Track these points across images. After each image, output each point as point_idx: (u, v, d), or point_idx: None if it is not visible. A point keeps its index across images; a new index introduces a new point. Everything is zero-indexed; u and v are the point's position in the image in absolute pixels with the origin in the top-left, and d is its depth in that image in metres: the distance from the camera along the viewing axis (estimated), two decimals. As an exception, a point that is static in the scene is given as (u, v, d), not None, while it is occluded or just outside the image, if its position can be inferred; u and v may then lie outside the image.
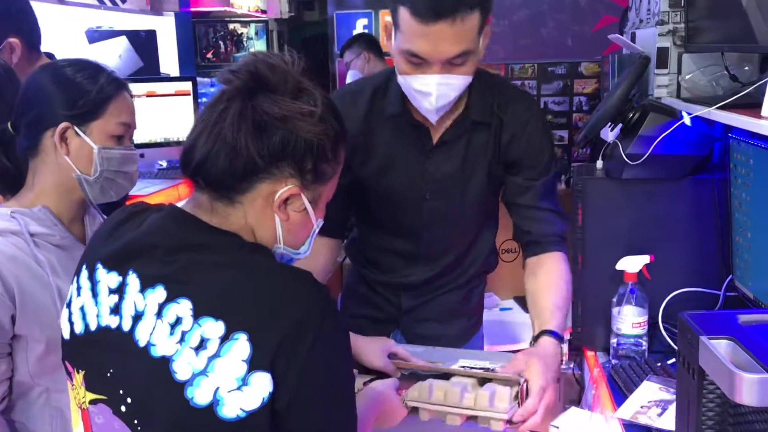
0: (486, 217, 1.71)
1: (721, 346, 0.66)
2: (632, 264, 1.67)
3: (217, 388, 0.89)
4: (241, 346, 0.89)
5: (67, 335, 1.04)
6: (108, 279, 0.99)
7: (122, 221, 1.05)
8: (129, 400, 0.94)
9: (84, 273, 1.03)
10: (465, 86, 1.45)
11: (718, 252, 1.71)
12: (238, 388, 0.89)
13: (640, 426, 1.41)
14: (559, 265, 1.59)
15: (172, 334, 0.92)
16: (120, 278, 0.98)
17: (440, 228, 1.64)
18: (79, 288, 1.03)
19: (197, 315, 0.92)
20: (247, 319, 0.90)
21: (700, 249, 1.72)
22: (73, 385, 1.02)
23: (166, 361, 0.92)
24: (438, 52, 1.37)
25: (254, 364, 0.89)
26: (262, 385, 0.89)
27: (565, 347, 1.51)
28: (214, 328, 0.91)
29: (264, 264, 0.98)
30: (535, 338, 1.50)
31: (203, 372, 0.90)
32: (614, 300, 1.71)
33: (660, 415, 1.42)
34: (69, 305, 1.04)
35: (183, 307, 0.92)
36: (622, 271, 1.70)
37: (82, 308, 1.01)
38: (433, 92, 1.41)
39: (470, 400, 1.30)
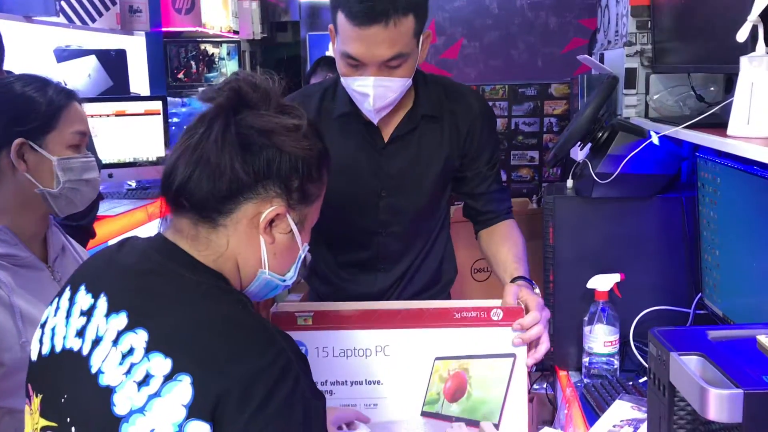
0: (440, 215, 1.71)
1: (692, 362, 0.65)
2: (603, 282, 1.68)
3: (152, 430, 0.85)
4: (184, 389, 0.85)
5: (34, 356, 1.01)
6: (83, 300, 0.97)
7: (120, 246, 1.03)
8: (73, 429, 0.91)
9: (66, 294, 1.00)
10: (403, 88, 1.48)
11: (687, 270, 1.72)
12: None
13: (613, 446, 1.41)
14: (513, 229, 1.64)
15: (121, 363, 0.89)
16: (92, 300, 0.96)
17: (397, 226, 1.64)
18: (57, 309, 1.00)
19: (150, 348, 0.88)
20: (194, 362, 0.86)
21: (670, 267, 1.73)
22: (30, 409, 0.99)
23: (108, 392, 0.88)
24: (373, 56, 1.41)
25: (194, 411, 0.84)
26: None
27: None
28: (161, 365, 0.87)
29: (232, 308, 0.93)
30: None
31: (141, 410, 0.86)
32: (585, 319, 1.71)
33: (632, 434, 1.42)
34: (43, 326, 1.01)
35: (139, 338, 0.89)
36: (593, 290, 1.70)
37: (53, 329, 0.99)
38: (371, 93, 1.44)
39: None
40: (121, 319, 0.91)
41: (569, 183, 1.82)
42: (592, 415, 1.56)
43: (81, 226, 1.85)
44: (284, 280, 1.02)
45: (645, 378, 1.67)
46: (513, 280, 1.49)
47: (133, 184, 3.29)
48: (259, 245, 0.97)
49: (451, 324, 1.37)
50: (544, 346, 1.38)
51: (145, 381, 0.86)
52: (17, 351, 1.27)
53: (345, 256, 1.70)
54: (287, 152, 0.95)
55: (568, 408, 1.71)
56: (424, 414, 1.39)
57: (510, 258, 1.56)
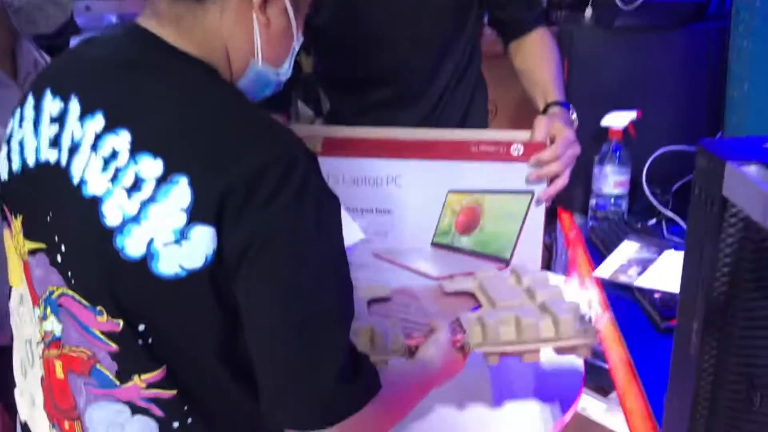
0: (465, 46, 1.57)
1: (751, 171, 0.56)
2: (618, 120, 1.58)
3: (152, 240, 0.75)
4: (181, 191, 0.74)
5: (5, 175, 0.90)
6: (51, 106, 0.85)
7: (86, 42, 0.90)
8: (63, 248, 0.82)
9: (30, 102, 0.88)
10: None
11: (708, 108, 1.61)
12: (176, 242, 0.75)
13: (620, 285, 1.36)
14: (547, 41, 1.50)
15: (105, 170, 0.78)
16: (62, 104, 0.84)
17: (419, 59, 1.50)
18: (21, 119, 0.88)
19: (135, 150, 0.77)
20: (190, 160, 0.75)
21: (690, 105, 1.63)
22: (12, 233, 0.90)
23: (95, 202, 0.78)
24: None
25: (195, 215, 0.74)
26: (204, 240, 0.74)
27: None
28: (151, 166, 0.76)
29: (227, 100, 0.82)
30: (544, 111, 1.40)
31: (135, 219, 0.76)
32: (596, 158, 1.63)
33: (640, 273, 1.37)
34: (9, 141, 0.90)
35: (121, 140, 0.78)
36: (606, 129, 1.61)
37: (21, 142, 0.87)
38: None
39: (549, 330, 1.02)
40: (97, 121, 0.80)
41: (588, 12, 1.67)
42: (597, 256, 1.51)
43: (54, 46, 1.72)
44: (278, 74, 0.91)
45: (654, 220, 1.61)
46: (547, 107, 1.37)
47: (115, 19, 3.09)
48: (252, 28, 0.85)
49: (468, 157, 1.28)
50: (561, 182, 1.30)
51: (135, 186, 0.76)
52: None
53: (367, 98, 1.57)
54: None
55: (571, 250, 1.66)
56: (434, 245, 1.33)
57: (546, 77, 1.42)
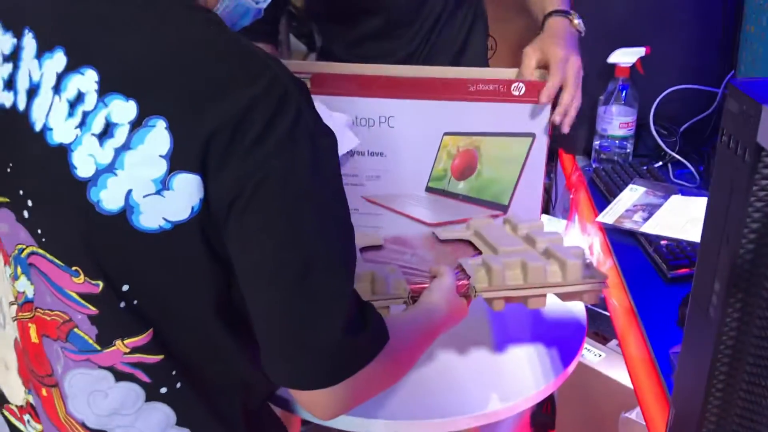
0: None
1: (790, 117, 0.50)
2: (626, 56, 1.50)
3: (130, 191, 0.68)
4: (159, 136, 0.67)
5: None
6: (3, 43, 0.76)
7: None
8: (30, 203, 0.74)
9: None
10: None
11: (721, 46, 1.53)
12: (158, 193, 0.68)
13: (624, 230, 1.31)
14: None
15: (71, 115, 0.70)
16: (15, 40, 0.75)
17: None
18: None
19: (104, 91, 0.69)
20: (166, 101, 0.68)
21: (702, 41, 1.54)
22: None
23: (63, 151, 0.70)
24: None
25: (176, 162, 0.67)
26: (188, 190, 0.67)
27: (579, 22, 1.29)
28: (123, 109, 0.68)
29: (205, 29, 0.73)
30: (541, 26, 1.31)
31: (110, 168, 0.68)
32: (602, 98, 1.55)
33: (646, 219, 1.31)
34: None
35: (87, 80, 0.70)
36: (612, 66, 1.53)
37: None
38: None
39: (556, 275, 0.98)
40: (57, 59, 0.72)
41: (596, -60, 1.57)
42: (601, 200, 1.45)
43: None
44: (257, 1, 0.81)
45: (660, 163, 1.55)
46: (545, 19, 1.27)
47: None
48: None
49: (465, 97, 1.20)
50: (576, 103, 1.20)
51: (107, 132, 0.68)
52: None
53: (355, 30, 1.48)
54: None
55: (573, 193, 1.60)
56: (428, 190, 1.26)
57: None
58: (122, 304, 0.73)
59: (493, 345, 1.10)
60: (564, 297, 1.00)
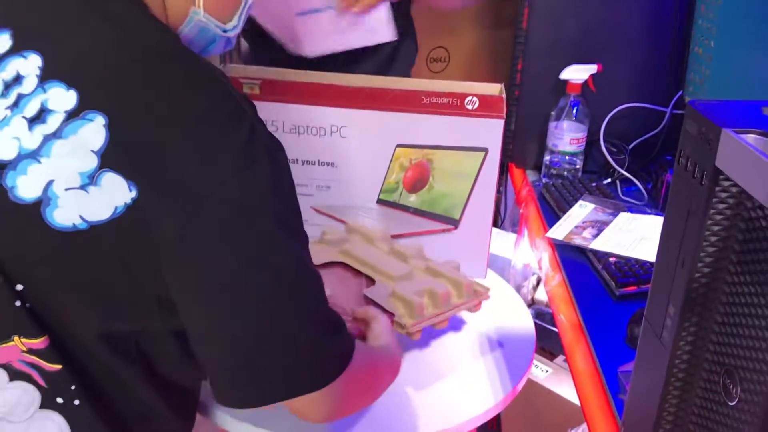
0: None
1: (750, 140, 0.49)
2: (578, 73, 1.51)
3: (51, 182, 0.65)
4: (94, 131, 0.64)
5: None
6: None
7: None
8: None
9: None
10: None
11: (671, 66, 1.55)
12: (82, 187, 0.64)
13: (574, 247, 1.31)
14: None
15: (4, 96, 0.68)
16: None
17: None
18: None
19: (46, 77, 0.67)
20: (110, 98, 0.65)
21: (652, 60, 1.56)
22: None
23: None
24: None
25: (108, 160, 0.64)
26: (116, 190, 0.64)
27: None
28: (62, 98, 0.66)
29: (159, 36, 0.71)
30: None
31: (34, 155, 0.65)
32: (553, 114, 1.56)
33: (595, 236, 1.32)
34: None
35: (29, 64, 0.68)
36: (564, 83, 1.53)
37: None
38: None
39: (455, 295, 1.07)
40: (2, 41, 0.70)
41: (551, -43, 1.58)
42: (550, 216, 1.45)
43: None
44: (225, 30, 0.78)
45: (609, 180, 1.56)
46: None
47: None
48: None
49: (419, 109, 1.18)
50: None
51: (39, 118, 0.66)
52: None
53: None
54: None
55: (523, 208, 1.60)
56: (379, 202, 1.25)
57: None
58: (17, 303, 0.68)
59: (440, 366, 1.08)
60: (457, 312, 1.07)
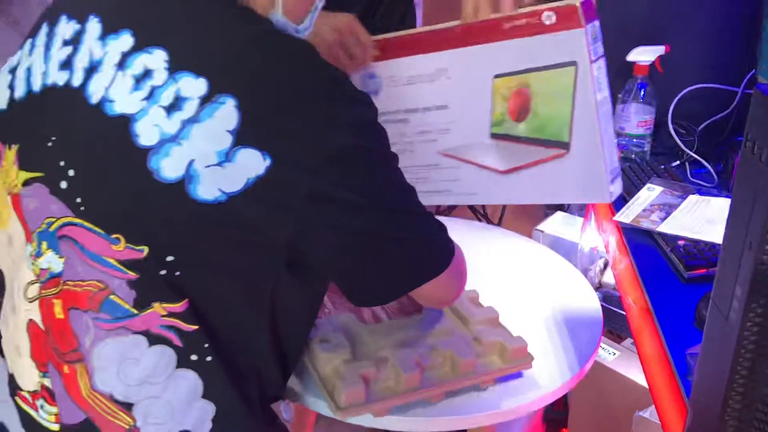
0: None
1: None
2: (645, 55, 1.49)
3: (192, 161, 0.72)
4: (227, 112, 0.72)
5: (3, 105, 0.85)
6: (65, 29, 0.81)
7: None
8: (71, 172, 0.77)
9: (43, 30, 0.83)
10: None
11: (742, 44, 1.52)
12: (219, 164, 0.71)
13: (641, 230, 1.31)
14: None
15: (137, 89, 0.74)
16: (78, 26, 0.79)
17: None
18: (32, 48, 0.84)
19: (173, 69, 0.73)
20: (237, 81, 0.73)
21: (722, 40, 1.53)
22: (2, 167, 0.84)
23: (125, 121, 0.74)
24: None
25: (243, 138, 0.71)
26: (249, 164, 0.71)
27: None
28: (194, 85, 0.72)
29: (267, 27, 0.80)
30: None
31: (175, 138, 0.72)
32: (620, 96, 1.55)
33: (663, 219, 1.31)
34: (13, 70, 0.85)
35: (156, 59, 0.74)
36: (631, 65, 1.52)
37: (29, 69, 0.82)
38: None
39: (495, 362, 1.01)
40: (123, 40, 0.76)
41: (617, -63, 1.56)
42: (618, 199, 1.44)
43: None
44: (298, 30, 0.86)
45: (678, 162, 1.55)
46: None
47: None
48: None
49: (503, 36, 1.17)
50: None
51: (176, 105, 0.72)
52: None
53: None
54: None
55: (590, 191, 1.59)
56: (493, 136, 1.24)
57: None
58: (163, 272, 0.75)
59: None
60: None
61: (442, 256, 0.88)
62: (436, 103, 1.26)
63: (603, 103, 1.15)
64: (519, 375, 1.03)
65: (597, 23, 1.14)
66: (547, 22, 1.13)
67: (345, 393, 0.90)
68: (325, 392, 0.94)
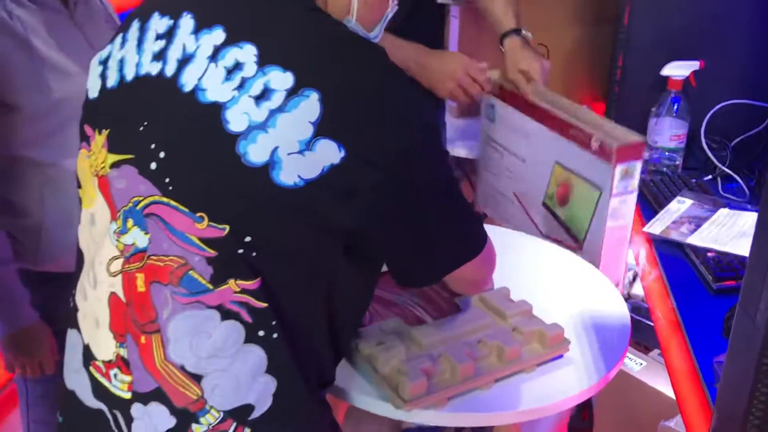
0: None
1: None
2: (679, 69, 1.51)
3: (276, 148, 0.77)
4: (311, 105, 0.77)
5: (95, 93, 0.91)
6: (158, 25, 0.86)
7: None
8: (162, 154, 0.82)
9: (135, 25, 0.89)
10: None
11: (777, 61, 1.53)
12: (300, 152, 0.77)
13: (671, 241, 1.32)
14: None
15: (229, 79, 0.79)
16: (171, 21, 0.85)
17: None
18: (124, 41, 0.89)
19: (263, 63, 0.79)
20: (321, 77, 0.78)
21: (756, 55, 1.54)
22: (90, 150, 0.90)
23: (217, 108, 0.79)
24: None
25: (322, 129, 0.76)
26: (326, 154, 0.77)
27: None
28: (281, 78, 0.78)
29: (344, 29, 0.86)
30: (501, 44, 1.52)
31: (262, 126, 0.77)
32: (653, 110, 1.57)
33: (693, 231, 1.33)
34: (104, 61, 0.91)
35: (246, 53, 0.79)
36: (665, 79, 1.54)
37: (121, 60, 0.88)
38: None
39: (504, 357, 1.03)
40: (216, 35, 0.81)
41: (654, -46, 1.59)
42: (649, 211, 1.47)
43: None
44: (368, 36, 0.92)
45: (710, 176, 1.56)
46: (502, 39, 1.49)
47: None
48: None
49: (566, 135, 1.35)
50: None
51: (264, 96, 0.78)
52: (35, 94, 1.18)
53: None
54: None
55: (621, 203, 1.61)
56: (543, 205, 1.44)
57: (499, 7, 1.52)
58: (240, 251, 0.80)
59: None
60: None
61: (478, 240, 0.95)
62: (520, 154, 1.48)
63: (615, 230, 1.31)
64: (560, 357, 1.07)
65: (637, 164, 1.28)
66: (593, 147, 1.29)
67: (410, 386, 0.95)
68: (389, 389, 0.98)
